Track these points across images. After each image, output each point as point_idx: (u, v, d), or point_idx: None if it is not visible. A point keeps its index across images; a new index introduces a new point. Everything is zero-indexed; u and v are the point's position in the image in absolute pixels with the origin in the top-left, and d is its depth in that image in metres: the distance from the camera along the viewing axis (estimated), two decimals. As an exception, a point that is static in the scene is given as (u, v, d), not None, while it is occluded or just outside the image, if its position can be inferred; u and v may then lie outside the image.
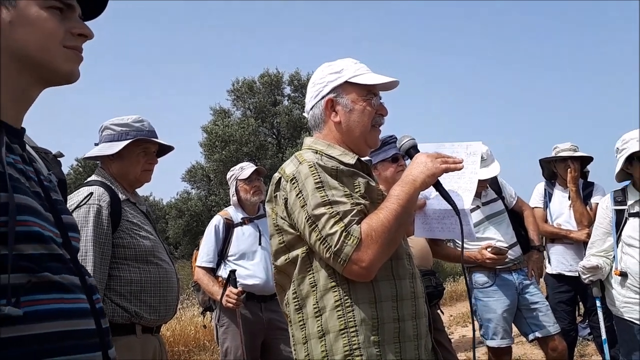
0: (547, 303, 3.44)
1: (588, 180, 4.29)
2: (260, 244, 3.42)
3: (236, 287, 3.17)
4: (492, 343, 3.34)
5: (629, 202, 2.77)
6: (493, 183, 3.54)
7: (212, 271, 3.41)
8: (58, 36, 0.95)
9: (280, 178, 1.56)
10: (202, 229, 19.18)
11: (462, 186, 1.68)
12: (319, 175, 1.47)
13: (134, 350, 2.11)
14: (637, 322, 2.67)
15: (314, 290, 1.50)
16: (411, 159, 1.63)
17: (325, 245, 1.41)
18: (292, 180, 1.50)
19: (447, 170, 1.54)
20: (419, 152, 1.65)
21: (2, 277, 0.82)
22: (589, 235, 3.91)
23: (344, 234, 1.39)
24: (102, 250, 2.09)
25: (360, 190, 1.52)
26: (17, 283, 0.83)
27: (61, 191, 1.07)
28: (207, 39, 43.50)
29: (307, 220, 1.44)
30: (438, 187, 1.61)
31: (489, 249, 3.23)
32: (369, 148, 1.69)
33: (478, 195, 3.45)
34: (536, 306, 3.35)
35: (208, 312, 3.74)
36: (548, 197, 4.23)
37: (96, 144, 2.38)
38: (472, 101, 46.09)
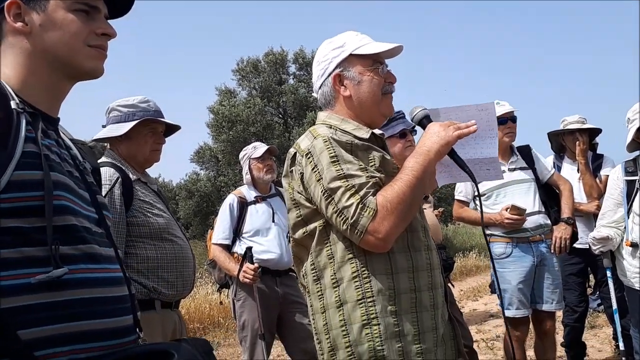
0: (560, 281, 3.43)
1: (597, 152, 4.29)
2: (273, 220, 3.49)
3: (253, 263, 3.25)
4: (507, 313, 3.35)
5: None
6: (526, 155, 3.51)
7: (228, 248, 3.48)
8: (82, 36, 1.05)
9: (295, 153, 1.58)
10: (212, 209, 19.33)
11: (482, 135, 1.64)
12: (333, 149, 1.49)
13: (155, 325, 2.15)
14: None
15: (331, 262, 1.53)
16: (424, 129, 1.63)
17: (342, 217, 1.44)
18: (307, 154, 1.52)
19: (460, 137, 1.54)
20: (431, 122, 1.64)
21: (44, 248, 0.91)
22: (598, 208, 3.92)
23: (359, 206, 1.42)
24: (117, 229, 2.11)
25: (375, 164, 1.54)
26: (62, 253, 0.92)
27: (95, 178, 1.17)
28: (210, 17, 43.08)
29: (324, 194, 1.47)
30: (453, 155, 1.61)
31: (508, 210, 3.23)
32: (384, 117, 1.69)
33: (505, 160, 3.43)
34: (547, 282, 3.35)
35: (224, 289, 3.84)
36: (557, 170, 4.24)
37: (104, 126, 2.38)
38: (478, 73, 45.45)
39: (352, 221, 1.42)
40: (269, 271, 3.42)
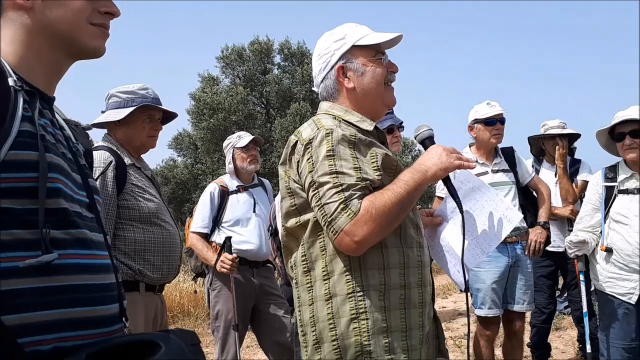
0: (532, 282, 3.49)
1: (575, 157, 4.37)
2: (254, 211, 3.48)
3: (231, 253, 3.24)
4: (479, 312, 3.43)
5: (619, 179, 2.83)
6: (509, 157, 3.55)
7: (206, 237, 3.46)
8: (85, 14, 1.02)
9: (296, 141, 1.56)
10: (188, 197, 19.13)
11: (480, 241, 1.66)
12: (332, 144, 1.48)
13: (137, 307, 2.20)
14: (619, 296, 2.78)
15: (323, 254, 1.52)
16: (425, 149, 1.63)
17: (322, 212, 1.44)
18: (307, 144, 1.51)
19: (459, 167, 1.55)
20: (434, 143, 1.65)
21: (35, 231, 0.88)
22: (572, 212, 4.01)
23: (341, 205, 1.41)
24: (107, 212, 2.17)
25: (377, 162, 1.51)
26: (52, 237, 0.89)
27: (87, 160, 1.15)
28: (196, 2, 42.40)
29: (312, 185, 1.47)
30: (447, 182, 1.63)
31: None
32: (387, 107, 1.69)
33: (490, 161, 3.49)
34: (520, 282, 3.41)
35: (199, 278, 3.81)
36: (535, 174, 4.31)
37: (103, 112, 2.47)
38: (458, 74, 45.83)
39: (330, 219, 1.42)
40: (247, 262, 3.41)
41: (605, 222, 2.85)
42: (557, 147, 4.09)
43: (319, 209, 1.45)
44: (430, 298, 1.63)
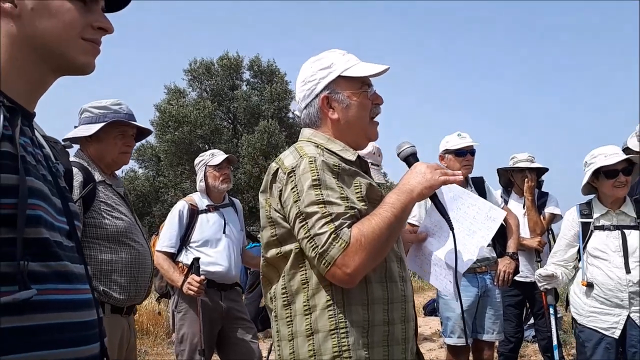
0: (501, 312, 3.52)
1: (542, 190, 4.49)
2: (224, 232, 3.37)
3: (199, 275, 3.11)
4: (449, 341, 3.43)
5: (595, 216, 2.88)
6: (479, 187, 3.58)
7: (172, 256, 3.32)
8: (77, 28, 0.96)
9: (277, 169, 1.51)
10: (148, 210, 18.62)
11: (468, 246, 1.63)
12: (317, 172, 1.43)
13: None
14: (602, 331, 2.80)
15: (305, 287, 1.46)
16: (409, 166, 1.60)
17: (312, 244, 1.38)
18: (290, 173, 1.45)
19: (445, 183, 1.52)
20: (418, 160, 1.62)
21: (12, 263, 0.80)
22: (540, 243, 4.10)
23: (332, 235, 1.36)
24: None
25: (361, 192, 1.48)
26: (30, 270, 0.81)
27: (66, 181, 1.08)
28: (167, 15, 41.93)
29: (298, 216, 1.41)
30: (434, 198, 1.60)
31: None
32: (369, 141, 1.66)
33: None
34: (489, 312, 3.44)
35: (164, 299, 3.66)
36: (504, 204, 4.38)
37: (76, 127, 2.43)
38: (427, 106, 46.86)
39: (321, 250, 1.36)
40: (215, 284, 3.28)
41: (583, 258, 2.89)
42: (525, 179, 4.19)
43: (308, 240, 1.39)
44: (413, 333, 1.58)
